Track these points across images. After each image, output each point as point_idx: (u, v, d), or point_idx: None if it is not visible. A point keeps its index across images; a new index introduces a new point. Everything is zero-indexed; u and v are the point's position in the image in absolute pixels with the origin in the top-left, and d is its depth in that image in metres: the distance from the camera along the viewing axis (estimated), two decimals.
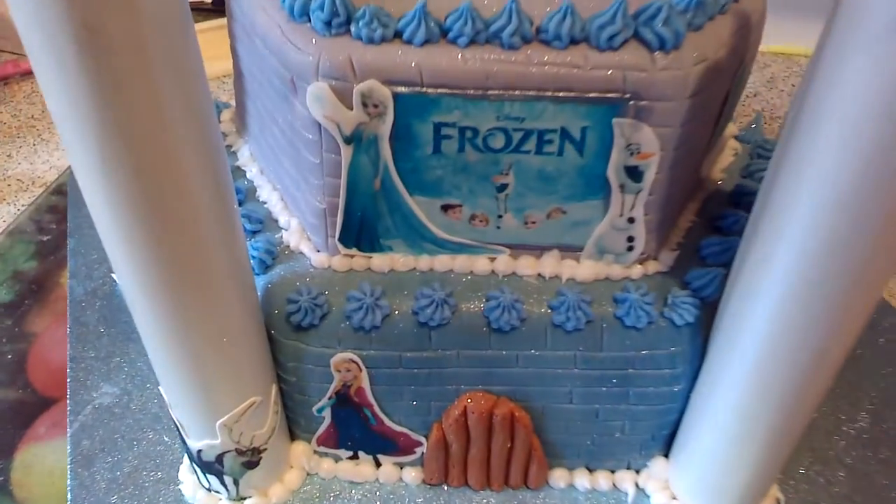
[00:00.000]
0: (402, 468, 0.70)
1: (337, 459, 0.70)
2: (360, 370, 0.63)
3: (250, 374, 0.60)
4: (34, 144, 1.35)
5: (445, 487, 0.70)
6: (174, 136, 0.42)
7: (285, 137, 0.61)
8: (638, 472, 0.70)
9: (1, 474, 0.74)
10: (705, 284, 0.62)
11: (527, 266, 0.62)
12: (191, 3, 0.49)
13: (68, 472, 0.71)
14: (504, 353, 0.62)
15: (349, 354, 0.62)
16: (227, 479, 0.65)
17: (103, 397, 0.77)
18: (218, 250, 0.52)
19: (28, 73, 1.54)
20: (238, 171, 0.74)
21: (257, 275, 0.64)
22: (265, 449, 0.64)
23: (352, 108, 0.54)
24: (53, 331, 0.87)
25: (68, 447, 0.73)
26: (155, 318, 0.54)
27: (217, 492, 0.67)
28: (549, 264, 0.62)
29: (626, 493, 0.69)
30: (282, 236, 0.66)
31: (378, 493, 0.69)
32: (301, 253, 0.65)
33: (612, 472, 0.70)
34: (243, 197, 0.71)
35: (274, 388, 0.63)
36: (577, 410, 0.65)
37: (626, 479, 0.69)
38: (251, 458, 0.64)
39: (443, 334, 0.61)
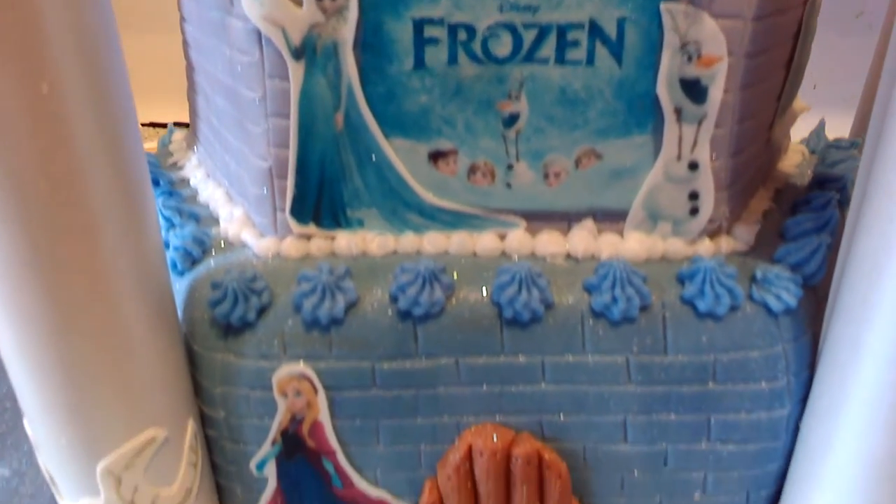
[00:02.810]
0: None
1: None
2: (316, 393, 0.43)
3: (151, 397, 0.41)
4: None
5: None
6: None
7: (225, 92, 0.47)
8: None
9: None
10: (805, 259, 0.44)
11: (550, 243, 0.45)
12: None
13: None
14: (523, 359, 0.43)
15: (299, 367, 0.43)
16: None
17: None
18: (106, 232, 0.37)
19: None
20: (182, 183, 0.59)
21: (180, 273, 0.47)
22: None
23: (300, 4, 0.40)
24: None
25: None
26: (17, 316, 0.37)
27: None
28: (582, 240, 0.45)
29: None
30: (220, 229, 0.49)
31: None
32: (243, 245, 0.48)
33: None
34: (180, 200, 0.55)
35: (190, 426, 0.44)
36: (636, 454, 0.44)
37: None
38: None
39: (434, 331, 0.42)
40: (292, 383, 0.43)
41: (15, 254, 0.35)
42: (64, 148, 0.35)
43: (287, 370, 0.43)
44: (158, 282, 0.41)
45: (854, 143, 0.62)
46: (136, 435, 0.40)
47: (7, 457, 0.60)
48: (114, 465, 0.40)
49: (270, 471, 0.46)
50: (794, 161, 0.60)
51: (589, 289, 0.43)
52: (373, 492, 0.46)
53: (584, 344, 0.43)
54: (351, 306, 0.42)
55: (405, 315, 0.42)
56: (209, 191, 0.54)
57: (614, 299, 0.41)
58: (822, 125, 0.70)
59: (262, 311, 0.43)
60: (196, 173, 0.58)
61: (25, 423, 0.42)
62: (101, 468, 0.40)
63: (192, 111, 0.58)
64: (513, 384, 0.43)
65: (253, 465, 0.46)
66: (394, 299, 0.42)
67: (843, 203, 0.50)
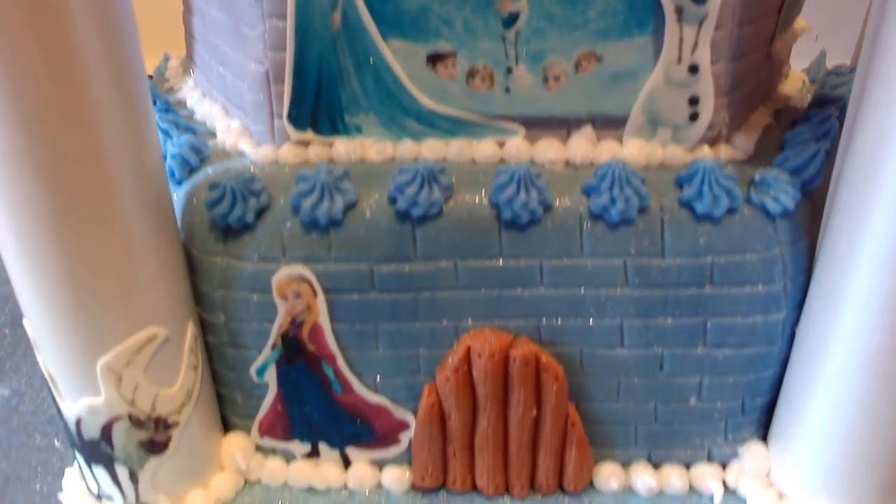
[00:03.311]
0: (381, 468, 0.49)
1: (288, 458, 0.49)
2: (315, 295, 0.43)
3: (151, 297, 0.41)
4: None
5: (444, 495, 0.48)
6: None
7: (220, 2, 0.46)
8: (724, 466, 0.48)
9: None
10: (804, 164, 0.44)
11: (549, 150, 0.45)
12: None
13: None
14: (522, 262, 0.43)
15: (298, 269, 0.43)
16: (121, 472, 0.44)
17: None
18: (107, 128, 0.37)
19: None
20: (178, 105, 0.58)
21: (178, 181, 0.46)
22: (176, 424, 0.44)
23: None
24: None
25: None
26: (18, 212, 0.37)
27: (109, 497, 0.45)
28: (581, 146, 0.45)
29: (711, 496, 0.47)
30: (216, 142, 0.49)
31: None
32: (241, 154, 0.47)
33: (687, 466, 0.48)
34: (176, 116, 0.54)
35: (190, 329, 0.44)
36: (632, 359, 0.45)
37: (707, 475, 0.48)
38: (154, 436, 0.43)
39: (433, 233, 0.42)
40: (292, 286, 0.43)
41: (15, 147, 0.35)
42: (64, 39, 0.34)
43: (286, 272, 0.43)
44: (157, 182, 0.41)
45: (854, 69, 0.61)
46: (136, 332, 0.40)
47: (7, 379, 0.60)
48: (114, 362, 0.40)
49: (271, 376, 0.46)
50: (795, 86, 0.59)
51: (588, 191, 0.42)
52: (372, 397, 0.46)
53: (583, 247, 0.43)
54: (349, 207, 0.42)
55: (404, 216, 0.42)
56: (205, 108, 0.53)
57: (612, 200, 0.41)
58: (822, 55, 0.69)
59: (260, 213, 0.43)
60: (192, 95, 0.57)
61: (25, 322, 0.42)
62: (102, 364, 0.40)
63: (188, 34, 0.57)
64: (511, 288, 0.43)
65: (253, 370, 0.46)
66: (392, 200, 0.42)
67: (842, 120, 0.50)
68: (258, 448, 0.49)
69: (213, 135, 0.50)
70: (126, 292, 0.40)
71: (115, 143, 0.38)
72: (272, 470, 0.48)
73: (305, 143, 0.46)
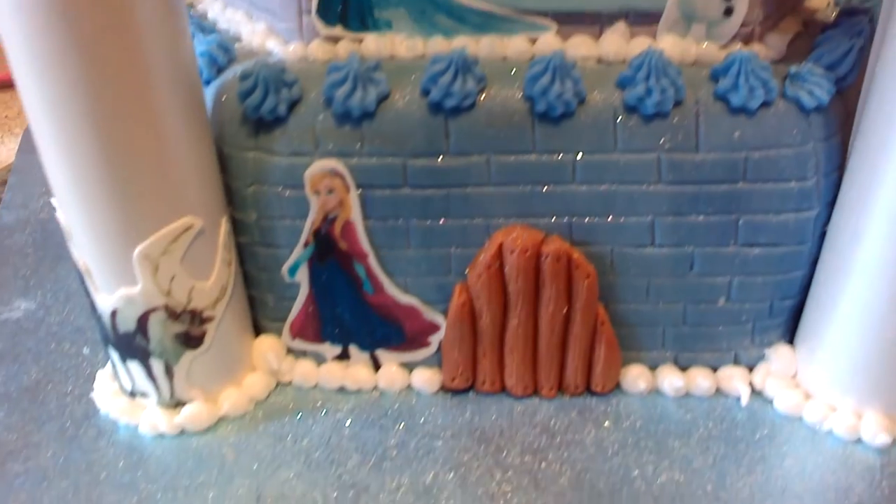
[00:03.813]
0: (410, 371, 0.49)
1: (319, 361, 0.50)
2: (348, 190, 0.43)
3: (187, 188, 0.41)
4: (2, 137, 1.32)
5: (473, 395, 0.49)
6: None
7: None
8: (750, 370, 0.49)
9: None
10: (838, 60, 0.44)
11: (582, 46, 0.44)
12: None
13: None
14: (555, 158, 0.43)
15: (331, 163, 0.43)
16: (156, 366, 0.44)
17: (13, 312, 0.58)
18: (146, 22, 0.37)
19: (5, 84, 1.60)
20: (201, 17, 0.58)
21: (206, 81, 0.46)
22: (211, 318, 0.44)
23: None
24: None
25: None
26: (56, 101, 0.37)
27: (143, 394, 0.46)
28: (614, 43, 0.44)
29: (737, 398, 0.48)
30: (242, 44, 0.49)
31: (377, 407, 0.48)
32: (268, 53, 0.47)
33: (713, 370, 0.49)
34: (200, 21, 0.53)
35: (224, 224, 0.44)
36: (662, 257, 0.45)
37: (734, 377, 0.48)
38: (190, 329, 0.44)
39: (466, 127, 0.42)
40: (324, 180, 0.43)
41: (56, 39, 0.35)
42: None
43: (319, 166, 0.43)
44: (190, 74, 0.41)
45: None
46: (172, 221, 0.41)
47: (32, 293, 0.60)
48: (151, 250, 0.40)
49: (303, 276, 0.46)
50: (822, 2, 0.58)
51: (622, 83, 0.42)
52: (403, 298, 0.47)
53: (616, 141, 0.42)
54: (382, 99, 0.42)
55: (437, 108, 0.42)
56: (227, 16, 0.53)
57: (648, 91, 0.41)
58: None
59: (292, 106, 0.43)
60: (213, 7, 0.57)
61: (58, 215, 0.42)
62: (138, 252, 0.40)
63: None
64: (543, 184, 0.43)
65: (285, 270, 0.46)
66: (425, 92, 0.42)
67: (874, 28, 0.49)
68: (289, 350, 0.50)
69: (237, 40, 0.50)
70: (162, 181, 0.40)
71: (153, 33, 0.37)
72: (303, 371, 0.49)
73: (335, 40, 0.45)
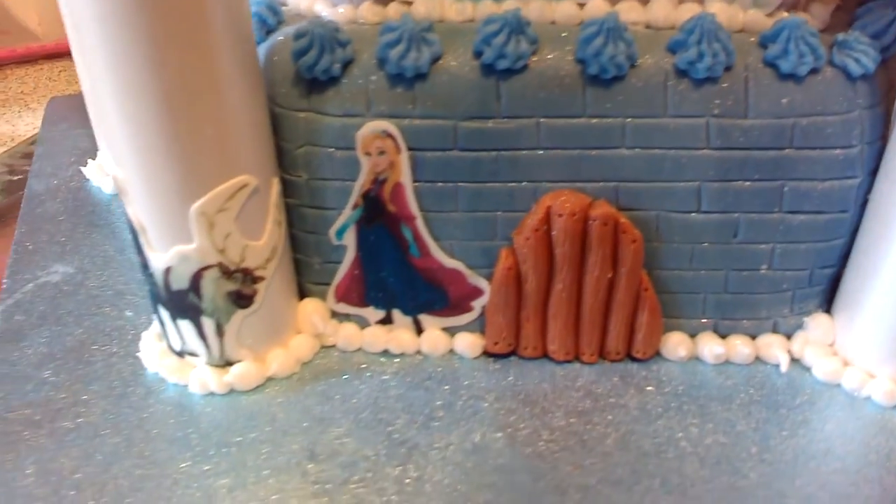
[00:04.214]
0: (452, 335, 0.50)
1: (362, 325, 0.50)
2: (399, 151, 0.44)
3: (242, 147, 0.42)
4: (19, 112, 1.34)
5: (514, 360, 0.49)
6: None
7: None
8: (788, 337, 0.49)
9: None
10: (882, 30, 0.44)
11: (631, 12, 0.44)
12: None
13: None
14: (605, 122, 0.43)
15: (383, 124, 0.43)
16: (207, 325, 0.45)
17: (52, 276, 0.59)
18: None
19: (22, 60, 1.61)
20: None
21: (256, 42, 0.46)
22: (262, 278, 0.45)
23: None
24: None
25: None
26: (118, 59, 0.37)
27: (192, 354, 0.46)
28: (662, 8, 0.44)
29: (776, 365, 0.48)
30: (289, 8, 0.49)
31: (420, 370, 0.48)
32: (316, 16, 0.47)
33: (752, 337, 0.49)
34: None
35: (275, 184, 0.44)
36: (708, 223, 0.45)
37: (772, 345, 0.49)
38: (242, 288, 0.44)
39: (517, 89, 0.43)
40: (376, 142, 0.44)
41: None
42: None
43: (371, 127, 0.43)
44: (246, 31, 0.41)
45: None
46: (229, 179, 0.41)
47: (68, 258, 0.61)
48: (207, 207, 0.41)
49: (350, 238, 0.47)
50: None
51: (674, 46, 0.42)
52: (448, 262, 0.47)
53: (667, 105, 0.43)
54: (435, 60, 0.42)
55: (489, 70, 0.42)
56: None
57: (700, 55, 0.41)
58: None
59: (345, 67, 0.43)
60: None
61: (114, 175, 0.42)
62: (195, 209, 0.41)
63: None
64: (592, 148, 0.44)
65: (333, 231, 0.47)
66: (478, 54, 0.42)
67: None
68: (333, 314, 0.50)
69: (283, 4, 0.50)
70: (220, 139, 0.40)
71: (222, 17, 0.38)
72: (347, 335, 0.49)
73: (385, 2, 0.45)
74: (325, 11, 0.47)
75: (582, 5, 0.45)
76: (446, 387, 0.47)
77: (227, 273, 0.43)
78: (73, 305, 0.55)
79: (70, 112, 0.93)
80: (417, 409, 0.45)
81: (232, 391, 0.46)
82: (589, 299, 0.46)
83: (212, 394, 0.46)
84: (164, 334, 0.47)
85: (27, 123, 1.31)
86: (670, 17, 0.45)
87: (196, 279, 0.43)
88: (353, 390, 0.47)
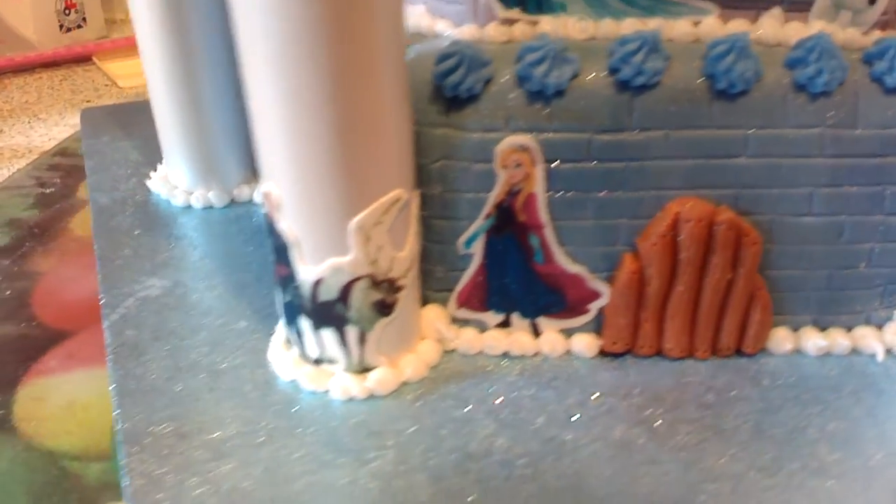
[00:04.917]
0: (568, 337, 0.52)
1: (481, 329, 0.52)
2: (534, 164, 0.46)
3: (397, 159, 0.43)
4: (29, 122, 1.32)
5: (630, 358, 0.52)
6: None
7: None
8: (879, 328, 0.53)
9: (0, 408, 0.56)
10: None
11: (740, 29, 0.47)
12: None
13: (108, 362, 0.52)
14: (729, 132, 0.46)
15: (522, 138, 0.45)
16: (351, 333, 0.46)
17: (150, 290, 0.59)
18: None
19: (20, 68, 1.59)
20: None
21: None
22: (402, 287, 0.46)
23: None
24: (61, 270, 0.74)
25: (106, 339, 0.54)
26: (296, 84, 0.39)
27: (330, 361, 0.48)
28: (771, 26, 0.48)
29: (871, 355, 0.52)
30: (407, 27, 0.51)
31: (544, 371, 0.50)
32: (437, 35, 0.49)
33: (847, 330, 0.53)
34: None
35: (416, 197, 0.46)
36: (817, 226, 0.49)
37: (867, 336, 0.52)
38: (386, 297, 0.46)
39: (648, 103, 0.45)
40: (513, 155, 0.46)
41: (306, 23, 0.37)
42: None
43: (510, 142, 0.45)
44: (402, 52, 0.43)
45: None
46: (386, 193, 0.43)
47: (160, 272, 0.61)
48: (366, 221, 0.42)
49: (478, 247, 0.49)
50: None
51: (792, 63, 0.46)
52: (571, 267, 0.49)
53: (787, 115, 0.46)
54: (574, 76, 0.45)
55: (623, 88, 0.45)
56: None
57: (819, 71, 0.45)
58: None
59: (486, 84, 0.45)
60: None
61: (268, 190, 0.43)
62: (355, 223, 0.42)
63: None
64: (716, 158, 0.47)
65: (462, 241, 0.49)
66: (614, 70, 0.45)
67: None
68: (454, 320, 0.52)
69: None
70: (381, 156, 0.42)
71: (381, 14, 0.39)
72: (468, 339, 0.51)
73: (510, 22, 0.48)
74: (446, 30, 0.49)
75: (696, 23, 0.48)
76: (574, 386, 0.49)
77: (375, 283, 0.45)
78: (183, 318, 0.55)
79: (106, 124, 0.93)
80: (553, 409, 0.47)
81: (371, 396, 0.48)
82: (707, 300, 0.49)
83: (352, 399, 0.47)
84: (300, 343, 0.49)
85: (41, 134, 1.28)
86: (778, 35, 0.48)
87: (346, 290, 0.44)
88: (485, 392, 0.48)
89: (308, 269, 0.44)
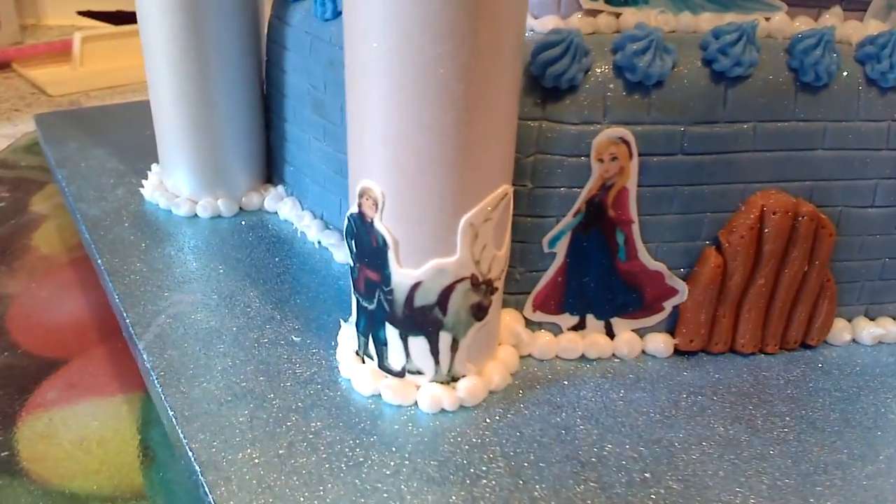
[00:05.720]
0: (642, 337, 0.51)
1: (555, 332, 0.50)
2: (630, 157, 0.45)
3: (504, 154, 0.41)
4: None
5: (703, 356, 0.51)
6: None
7: None
8: None
9: (2, 449, 0.49)
10: None
11: (804, 27, 0.48)
12: None
13: (155, 387, 0.46)
14: (811, 124, 0.47)
15: (620, 130, 0.44)
16: (444, 340, 0.43)
17: (178, 306, 0.53)
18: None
19: None
20: None
21: None
22: (497, 289, 0.44)
23: None
24: (34, 291, 0.67)
25: (146, 363, 0.48)
26: (420, 72, 0.36)
27: (417, 372, 0.44)
28: (830, 24, 0.49)
29: None
30: None
31: (625, 372, 0.49)
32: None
33: (894, 318, 0.55)
34: None
35: (511, 193, 0.44)
36: (879, 216, 0.50)
37: None
38: (482, 300, 0.43)
39: (740, 95, 0.45)
40: (610, 148, 0.44)
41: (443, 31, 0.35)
42: None
43: (608, 134, 0.44)
44: (521, 38, 0.40)
45: None
46: (495, 189, 0.40)
47: (184, 287, 0.55)
48: (476, 218, 0.40)
49: (561, 246, 0.47)
50: None
51: (864, 58, 0.47)
52: (652, 264, 0.48)
53: (859, 108, 0.47)
54: (673, 67, 0.44)
55: (718, 79, 0.44)
56: None
57: (892, 66, 0.46)
58: None
59: (586, 74, 0.43)
60: None
61: (367, 187, 0.40)
62: (465, 220, 0.39)
63: None
64: (797, 150, 0.47)
65: (547, 239, 0.47)
66: (709, 61, 0.44)
67: None
68: (528, 323, 0.50)
69: None
70: (493, 150, 0.39)
71: (509, 15, 0.37)
72: (544, 342, 0.49)
73: (595, 13, 0.46)
74: (528, 21, 0.47)
75: (767, 18, 0.48)
76: (661, 386, 0.48)
77: (476, 285, 0.42)
78: (227, 336, 0.50)
79: (68, 130, 0.85)
80: (647, 410, 0.46)
81: (460, 408, 0.45)
82: (783, 292, 0.49)
83: (442, 411, 0.44)
84: (381, 355, 0.45)
85: None
86: (839, 33, 0.49)
87: (446, 293, 0.41)
88: (575, 397, 0.47)
89: (405, 273, 0.41)
